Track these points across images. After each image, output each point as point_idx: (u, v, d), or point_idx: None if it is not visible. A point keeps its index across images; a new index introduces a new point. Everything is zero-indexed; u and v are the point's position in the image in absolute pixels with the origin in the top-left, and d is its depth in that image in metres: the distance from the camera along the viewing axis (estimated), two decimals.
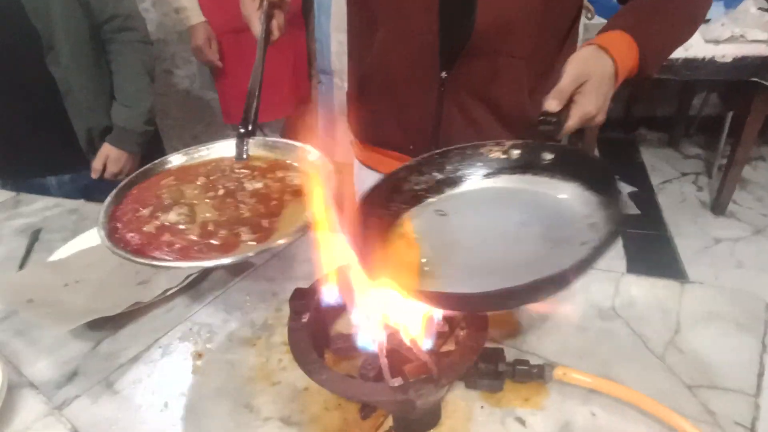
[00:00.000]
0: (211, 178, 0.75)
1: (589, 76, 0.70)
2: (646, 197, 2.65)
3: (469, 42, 0.82)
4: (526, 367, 0.59)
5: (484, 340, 0.57)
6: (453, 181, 0.75)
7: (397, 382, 0.51)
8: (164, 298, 0.80)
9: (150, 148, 1.60)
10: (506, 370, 0.59)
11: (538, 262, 0.58)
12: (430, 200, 0.74)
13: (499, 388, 0.60)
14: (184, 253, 0.62)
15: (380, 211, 0.69)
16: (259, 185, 0.73)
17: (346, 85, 2.35)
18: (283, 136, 2.59)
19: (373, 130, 1.04)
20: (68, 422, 0.63)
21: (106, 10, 1.35)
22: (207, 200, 0.71)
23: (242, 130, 0.78)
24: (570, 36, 0.91)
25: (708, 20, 2.11)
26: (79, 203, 1.16)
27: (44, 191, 1.40)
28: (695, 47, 2.04)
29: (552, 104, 0.70)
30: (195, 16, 1.99)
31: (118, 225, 0.69)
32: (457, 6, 0.81)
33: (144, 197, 0.73)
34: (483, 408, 0.60)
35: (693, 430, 0.52)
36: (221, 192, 0.72)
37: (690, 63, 2.08)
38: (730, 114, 2.49)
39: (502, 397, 0.60)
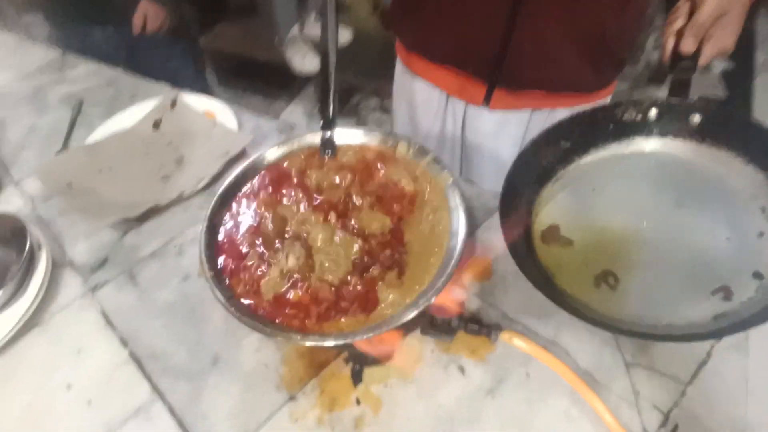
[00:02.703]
0: (312, 181, 0.65)
1: (730, 6, 0.64)
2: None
3: None
4: (476, 326, 0.66)
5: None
6: (582, 148, 0.71)
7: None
8: (181, 198, 0.90)
9: None
10: (458, 326, 0.67)
11: (718, 262, 0.57)
12: (559, 173, 0.71)
13: (449, 341, 0.68)
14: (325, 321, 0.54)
15: (516, 201, 0.65)
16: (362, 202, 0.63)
17: None
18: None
19: (428, 42, 0.97)
20: (99, 305, 0.78)
21: None
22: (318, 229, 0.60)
23: (323, 125, 0.69)
24: None
25: None
26: (117, 74, 1.22)
27: (90, 44, 1.46)
28: None
29: (689, 43, 0.65)
30: None
31: (233, 283, 0.58)
32: None
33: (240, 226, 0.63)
34: (433, 352, 0.69)
35: (605, 413, 0.59)
36: (333, 218, 0.62)
37: None
38: None
39: (452, 345, 0.69)
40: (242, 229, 0.62)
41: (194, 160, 0.96)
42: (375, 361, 0.68)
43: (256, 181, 0.66)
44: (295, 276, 0.56)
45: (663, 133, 0.70)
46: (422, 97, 1.09)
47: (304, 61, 2.62)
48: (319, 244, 0.59)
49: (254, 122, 1.04)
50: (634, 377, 0.64)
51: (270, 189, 0.65)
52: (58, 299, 0.79)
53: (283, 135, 1.01)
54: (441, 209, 0.61)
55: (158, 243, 0.85)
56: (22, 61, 1.30)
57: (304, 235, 0.60)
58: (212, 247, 0.60)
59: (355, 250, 0.57)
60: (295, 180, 0.65)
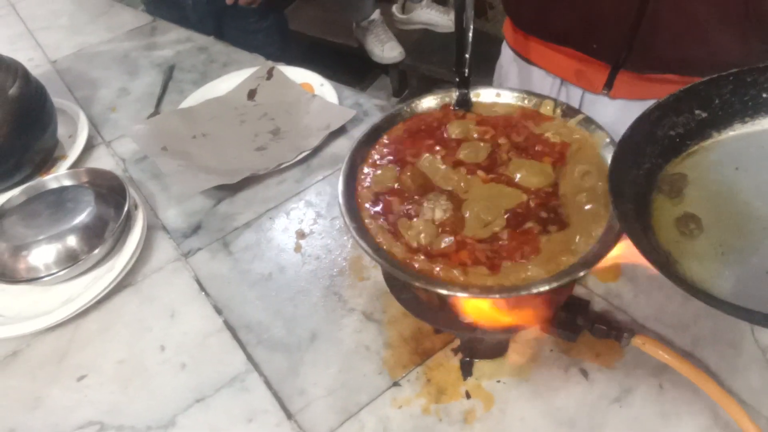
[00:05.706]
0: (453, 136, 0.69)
1: None
2: None
3: None
4: (604, 328, 0.67)
5: (564, 299, 0.65)
6: (724, 121, 0.65)
7: (467, 319, 0.63)
8: (278, 170, 0.96)
9: None
10: (584, 324, 0.68)
11: None
12: (692, 148, 0.65)
13: (572, 340, 0.69)
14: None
15: (633, 173, 0.62)
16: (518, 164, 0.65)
17: None
18: None
19: (546, 18, 0.98)
20: (192, 270, 0.84)
21: None
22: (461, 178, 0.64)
23: (459, 83, 0.72)
24: None
25: None
26: (209, 41, 1.32)
27: (178, 11, 1.57)
28: None
29: None
30: None
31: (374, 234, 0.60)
32: None
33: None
34: (552, 351, 0.70)
35: None
36: (481, 173, 0.65)
37: None
38: None
39: (573, 346, 0.70)
40: (381, 181, 0.66)
41: (291, 131, 1.02)
42: (487, 354, 0.70)
43: (394, 133, 0.71)
44: (443, 230, 0.60)
45: None
46: (532, 85, 1.11)
47: (384, 48, 2.69)
48: (467, 197, 0.62)
49: (354, 98, 1.09)
50: None
51: (410, 142, 0.69)
52: (151, 261, 0.86)
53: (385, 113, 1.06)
54: (599, 166, 0.63)
55: (253, 213, 0.91)
56: (113, 23, 1.42)
57: (450, 188, 0.64)
58: (351, 199, 0.64)
59: (508, 202, 0.61)
60: (436, 134, 0.70)
